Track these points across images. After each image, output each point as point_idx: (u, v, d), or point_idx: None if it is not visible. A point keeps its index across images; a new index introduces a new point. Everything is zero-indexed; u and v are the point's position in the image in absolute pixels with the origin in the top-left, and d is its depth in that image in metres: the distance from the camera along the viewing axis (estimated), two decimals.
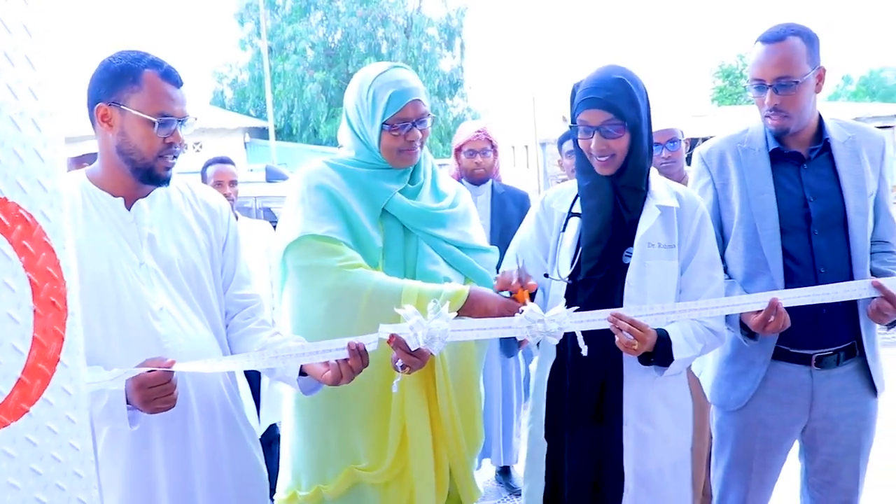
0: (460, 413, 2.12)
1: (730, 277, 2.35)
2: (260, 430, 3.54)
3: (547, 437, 2.19)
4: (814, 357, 2.28)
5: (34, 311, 1.23)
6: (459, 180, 3.75)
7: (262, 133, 24.99)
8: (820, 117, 2.32)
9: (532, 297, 1.99)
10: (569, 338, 1.96)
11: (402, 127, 2.09)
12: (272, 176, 7.29)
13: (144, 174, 1.85)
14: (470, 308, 2.01)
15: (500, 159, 3.99)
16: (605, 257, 2.10)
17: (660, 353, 1.98)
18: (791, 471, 2.49)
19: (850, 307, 2.24)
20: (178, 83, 1.84)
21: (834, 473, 2.37)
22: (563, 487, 2.17)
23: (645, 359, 2.01)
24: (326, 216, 2.07)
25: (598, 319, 1.93)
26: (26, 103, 1.22)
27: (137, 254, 1.86)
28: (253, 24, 29.95)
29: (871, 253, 2.30)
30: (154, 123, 1.79)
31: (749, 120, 2.42)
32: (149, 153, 1.82)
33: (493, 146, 3.85)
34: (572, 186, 2.24)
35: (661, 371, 2.04)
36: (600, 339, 1.96)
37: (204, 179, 3.87)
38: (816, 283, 2.18)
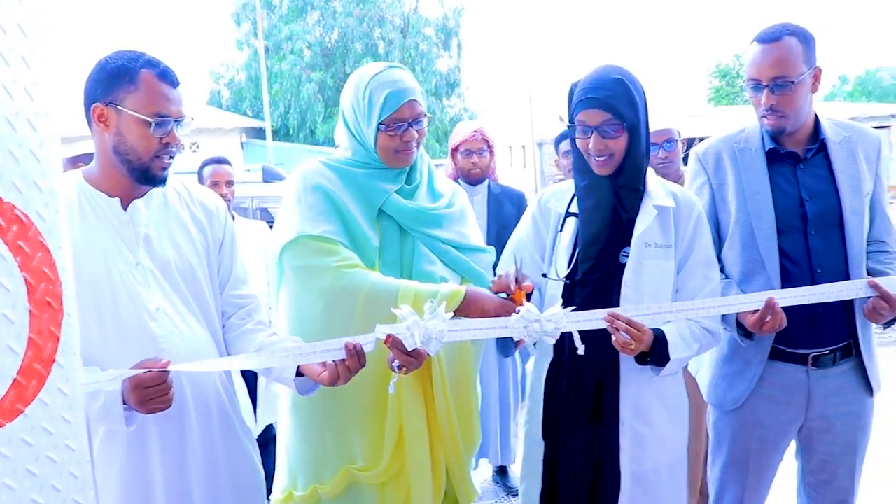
0: (457, 413, 2.12)
1: (726, 277, 2.35)
2: (257, 430, 3.53)
3: (544, 436, 2.19)
4: (810, 357, 2.28)
5: (30, 311, 1.22)
6: (456, 180, 3.75)
7: (258, 133, 24.97)
8: (816, 117, 2.33)
9: (528, 297, 1.99)
10: (566, 337, 1.96)
11: (398, 127, 2.09)
12: (269, 176, 7.28)
13: (141, 174, 1.84)
14: (466, 308, 2.01)
15: (497, 159, 3.99)
16: (603, 257, 2.10)
17: (656, 352, 1.99)
18: (787, 470, 2.49)
19: (847, 307, 2.24)
20: (174, 83, 1.84)
21: (830, 473, 2.38)
22: (560, 487, 2.17)
23: (641, 358, 2.01)
24: (323, 216, 2.07)
25: (594, 319, 1.93)
26: (22, 103, 1.22)
27: (134, 254, 1.86)
28: (250, 24, 29.95)
29: (868, 252, 2.30)
30: (150, 123, 1.78)
31: (746, 120, 2.42)
32: (145, 153, 1.81)
33: (489, 146, 3.85)
34: (569, 186, 2.24)
35: (658, 371, 2.04)
36: (597, 339, 1.96)
37: (200, 180, 3.86)
38: (813, 282, 2.19)
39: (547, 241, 2.22)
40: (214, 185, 3.80)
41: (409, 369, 1.90)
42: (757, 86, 2.23)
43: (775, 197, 2.28)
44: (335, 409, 2.09)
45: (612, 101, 2.02)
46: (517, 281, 1.98)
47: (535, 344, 2.16)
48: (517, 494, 2.36)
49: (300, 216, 2.07)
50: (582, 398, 2.12)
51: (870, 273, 2.24)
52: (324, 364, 1.83)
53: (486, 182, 3.88)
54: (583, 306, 1.97)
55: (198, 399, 1.90)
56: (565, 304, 1.93)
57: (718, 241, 2.37)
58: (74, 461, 1.31)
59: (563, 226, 2.19)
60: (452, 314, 1.87)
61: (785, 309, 2.07)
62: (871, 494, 2.77)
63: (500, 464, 4.13)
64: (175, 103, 1.83)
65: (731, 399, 2.38)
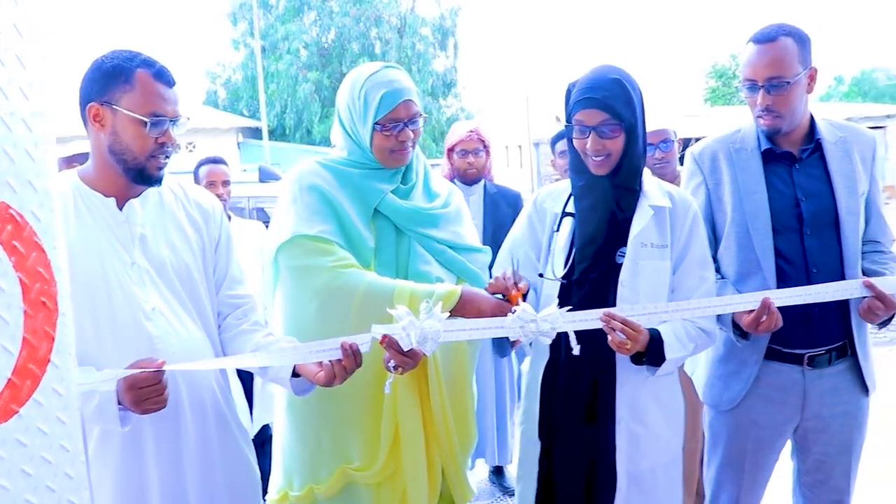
0: (453, 413, 2.12)
1: (722, 277, 2.35)
2: (253, 430, 3.53)
3: (540, 437, 2.19)
4: (806, 356, 2.28)
5: (24, 311, 1.22)
6: (452, 180, 3.75)
7: (255, 133, 24.97)
8: (812, 117, 2.33)
9: (524, 297, 1.99)
10: (562, 337, 1.96)
11: (393, 127, 2.09)
12: (265, 176, 7.27)
13: (136, 174, 1.84)
14: (462, 308, 2.01)
15: (493, 159, 3.99)
16: (599, 257, 2.10)
17: (652, 352, 1.99)
18: (783, 470, 2.50)
19: (842, 307, 2.25)
20: (170, 83, 1.84)
21: (826, 473, 2.38)
22: (556, 487, 2.17)
23: (637, 358, 2.02)
24: (318, 216, 2.07)
25: (590, 319, 1.93)
26: (17, 103, 1.22)
27: (129, 254, 1.85)
28: (246, 23, 29.95)
29: (863, 253, 2.31)
30: (146, 123, 1.78)
31: (742, 120, 2.42)
32: (140, 153, 1.81)
33: (485, 146, 3.84)
34: (565, 186, 2.24)
35: (653, 371, 2.04)
36: (593, 339, 1.96)
37: (196, 180, 3.86)
38: (808, 282, 2.19)
39: (543, 240, 2.22)
40: (210, 184, 3.80)
41: (405, 369, 1.90)
42: (753, 86, 2.24)
43: (771, 197, 2.28)
44: (331, 409, 2.09)
45: (609, 102, 2.02)
46: (514, 281, 1.98)
47: (530, 344, 2.16)
48: (513, 494, 2.36)
49: (296, 216, 2.07)
50: (578, 398, 2.12)
51: (865, 273, 2.25)
52: (320, 364, 1.83)
53: (482, 182, 3.88)
54: (579, 306, 1.97)
55: (193, 399, 1.90)
56: (561, 304, 1.94)
57: (714, 242, 2.37)
58: (69, 461, 1.31)
59: (559, 226, 2.19)
60: (448, 314, 1.87)
61: (780, 309, 2.07)
62: (867, 494, 2.78)
63: (496, 464, 4.13)
64: (171, 103, 1.82)
65: (727, 399, 2.38)
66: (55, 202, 1.31)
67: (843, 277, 2.22)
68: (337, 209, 2.09)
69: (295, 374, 1.93)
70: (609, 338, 1.93)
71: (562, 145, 3.87)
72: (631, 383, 2.09)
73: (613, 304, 2.04)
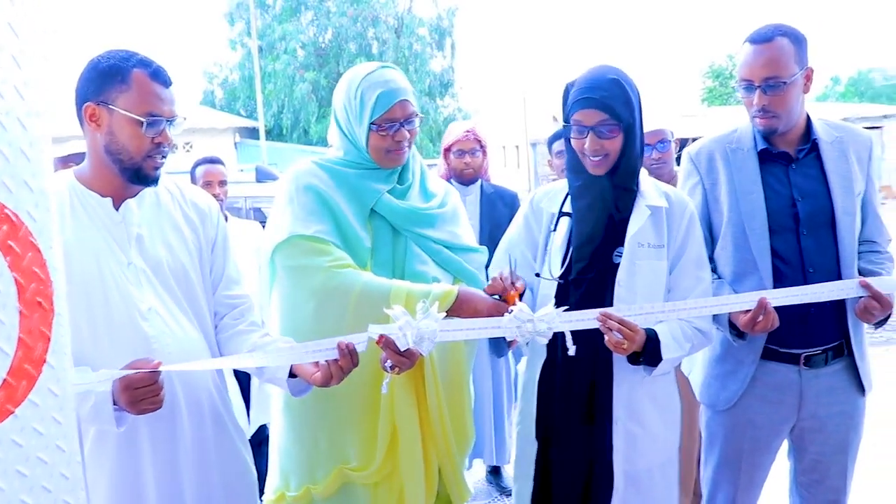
0: (450, 413, 2.12)
1: (719, 277, 2.36)
2: (250, 430, 3.53)
3: (537, 436, 2.19)
4: (802, 356, 2.29)
5: (20, 311, 1.22)
6: (449, 180, 3.75)
7: (252, 133, 24.96)
8: (808, 118, 2.33)
9: (520, 296, 1.99)
10: (559, 337, 1.97)
11: (389, 127, 2.08)
12: (262, 176, 7.26)
13: (133, 174, 1.84)
14: (459, 308, 2.01)
15: (490, 159, 3.99)
16: (596, 257, 2.10)
17: (648, 352, 1.99)
18: (780, 470, 2.50)
19: (839, 307, 2.25)
20: (166, 83, 1.83)
21: (822, 472, 2.38)
22: (553, 488, 2.17)
23: (634, 358, 2.02)
24: (315, 216, 2.07)
25: (587, 319, 1.93)
26: (13, 103, 1.22)
27: (126, 254, 1.85)
28: (243, 23, 29.92)
29: (859, 252, 2.31)
30: (142, 123, 1.78)
31: (738, 120, 2.42)
32: (137, 153, 1.81)
33: (481, 146, 3.84)
34: (562, 186, 2.24)
35: (650, 371, 2.05)
36: (590, 339, 1.96)
37: (193, 180, 3.85)
38: (805, 282, 2.19)
39: (539, 240, 2.22)
40: (207, 185, 3.79)
41: (402, 369, 1.89)
42: (749, 86, 2.24)
43: (767, 197, 2.28)
44: (328, 410, 2.09)
45: (608, 102, 2.02)
46: (512, 281, 1.98)
47: (527, 344, 2.16)
48: (510, 494, 2.36)
49: (292, 216, 2.07)
50: (575, 398, 2.13)
51: (861, 273, 2.25)
52: (316, 364, 1.83)
53: (478, 182, 3.88)
54: (576, 306, 1.97)
55: (190, 399, 1.90)
56: (558, 304, 1.94)
57: (711, 242, 2.38)
58: (65, 462, 1.31)
59: (556, 225, 2.19)
60: (445, 314, 1.87)
61: (777, 309, 2.07)
62: (863, 494, 2.78)
63: (495, 464, 4.13)
64: (167, 103, 1.82)
65: (724, 399, 2.39)
66: (51, 202, 1.31)
67: (839, 277, 2.22)
68: (333, 209, 2.09)
69: (292, 375, 1.92)
70: (606, 338, 1.93)
71: (559, 145, 3.88)
72: (628, 383, 2.09)
73: (610, 304, 2.04)
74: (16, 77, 1.22)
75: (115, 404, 1.69)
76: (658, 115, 3.41)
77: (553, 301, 1.97)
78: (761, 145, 2.32)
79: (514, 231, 2.29)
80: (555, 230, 2.19)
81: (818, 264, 2.24)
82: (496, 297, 2.03)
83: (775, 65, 2.18)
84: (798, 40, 2.22)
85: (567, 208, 2.19)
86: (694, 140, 2.52)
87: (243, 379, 3.44)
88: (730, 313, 2.18)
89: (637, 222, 2.10)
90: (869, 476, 2.88)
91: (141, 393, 1.66)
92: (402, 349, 1.81)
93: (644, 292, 2.07)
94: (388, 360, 1.87)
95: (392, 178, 2.18)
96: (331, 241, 2.05)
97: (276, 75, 29.22)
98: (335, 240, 2.06)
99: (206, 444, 1.93)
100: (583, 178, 2.13)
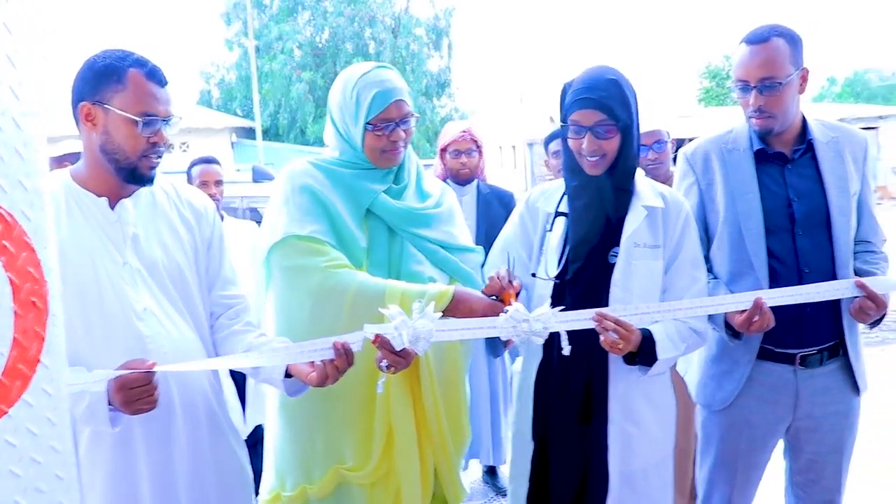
0: (446, 413, 2.12)
1: (715, 277, 2.36)
2: (246, 430, 3.52)
3: (533, 437, 2.19)
4: (798, 356, 2.29)
5: (14, 311, 1.21)
6: (445, 180, 3.75)
7: (249, 133, 24.97)
8: (804, 118, 2.34)
9: (517, 296, 1.99)
10: (555, 338, 1.97)
11: (385, 127, 2.08)
12: (259, 176, 7.27)
13: (128, 174, 1.83)
14: (455, 308, 2.01)
15: (486, 159, 3.99)
16: (592, 257, 2.10)
17: (644, 352, 1.99)
18: (775, 470, 2.50)
19: (834, 307, 2.25)
20: (162, 82, 1.83)
21: (818, 472, 2.39)
22: (549, 487, 2.17)
23: (629, 358, 2.02)
24: (310, 216, 2.07)
25: (582, 319, 1.93)
26: (7, 102, 1.21)
27: (121, 254, 1.85)
28: (240, 23, 29.91)
29: (855, 253, 2.31)
30: (138, 123, 1.78)
31: (734, 121, 2.43)
32: (132, 153, 1.81)
33: (478, 146, 3.84)
34: (558, 186, 2.24)
35: (645, 371, 2.05)
36: (586, 339, 1.96)
37: (189, 179, 3.85)
38: (800, 282, 2.20)
39: (534, 240, 2.22)
40: (203, 184, 3.78)
41: (398, 369, 1.89)
42: (745, 87, 2.24)
43: (763, 197, 2.28)
44: (324, 410, 2.08)
45: (607, 102, 2.02)
46: (509, 281, 1.98)
47: (521, 343, 2.16)
48: (507, 495, 2.36)
49: (288, 216, 2.07)
50: (570, 398, 2.13)
51: (857, 273, 2.25)
52: (312, 364, 1.83)
53: (474, 182, 3.88)
54: (573, 306, 1.97)
55: (185, 400, 1.89)
56: (554, 304, 1.94)
57: (707, 242, 2.38)
58: (59, 462, 1.30)
59: (552, 225, 2.19)
60: (441, 314, 1.87)
61: (773, 309, 2.08)
62: (858, 494, 2.79)
63: (492, 464, 4.13)
64: (163, 102, 1.82)
65: (720, 399, 2.39)
66: (46, 202, 1.30)
67: (834, 277, 2.22)
68: (329, 209, 2.09)
69: (287, 375, 1.92)
70: (601, 338, 1.93)
71: (555, 145, 3.87)
72: (623, 383, 2.09)
73: (606, 304, 2.04)
74: (11, 76, 1.21)
75: (109, 405, 1.69)
76: (654, 115, 3.41)
77: (549, 301, 1.97)
78: (757, 145, 2.32)
79: (509, 231, 2.29)
80: (550, 230, 2.19)
81: (814, 264, 2.25)
82: (493, 297, 2.03)
83: (771, 65, 2.18)
84: (794, 41, 2.22)
85: (563, 208, 2.19)
86: (690, 140, 2.52)
87: (239, 379, 3.42)
88: (725, 313, 2.19)
89: (633, 223, 2.10)
90: (864, 476, 2.89)
91: (136, 393, 1.66)
92: (397, 349, 1.81)
93: (640, 292, 2.07)
94: (384, 360, 1.86)
95: (388, 178, 2.17)
96: (326, 241, 2.04)
97: (273, 75, 29.21)
98: (331, 240, 2.05)
99: (201, 445, 1.93)
100: (580, 178, 2.13)
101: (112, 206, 1.86)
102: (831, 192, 2.27)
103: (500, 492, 4.09)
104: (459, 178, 3.83)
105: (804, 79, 2.27)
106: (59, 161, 3.72)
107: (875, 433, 3.37)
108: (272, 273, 2.11)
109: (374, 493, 2.10)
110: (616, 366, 2.08)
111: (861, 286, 2.12)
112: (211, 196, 3.63)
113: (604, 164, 2.08)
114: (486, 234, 3.58)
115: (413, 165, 2.27)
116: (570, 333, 1.92)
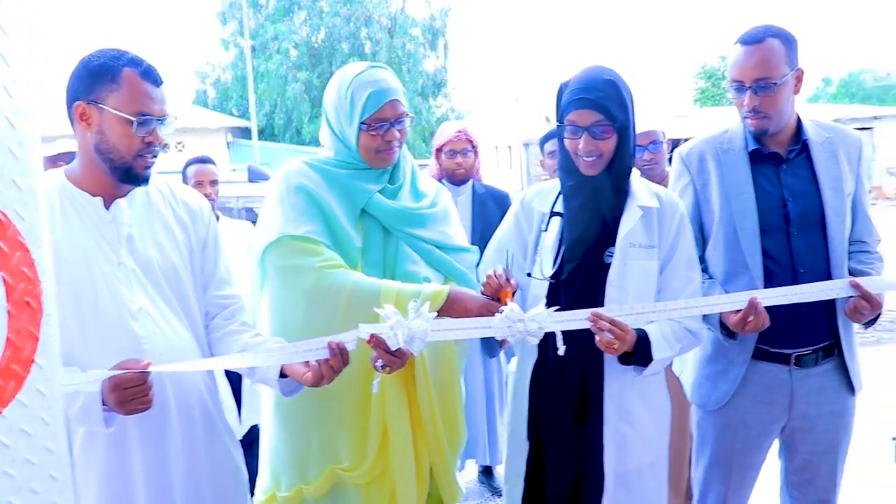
0: (441, 413, 2.12)
1: (710, 277, 2.36)
2: (241, 431, 3.52)
3: (529, 437, 2.19)
4: (793, 356, 2.29)
5: (8, 311, 1.21)
6: (440, 180, 3.75)
7: (244, 133, 24.93)
8: (798, 118, 2.34)
9: (512, 295, 1.99)
10: (550, 338, 1.97)
11: (380, 127, 2.08)
12: (255, 176, 7.24)
13: (123, 173, 1.83)
14: (450, 308, 2.00)
15: (481, 159, 3.99)
16: (587, 257, 2.11)
17: (639, 352, 1.99)
18: (771, 470, 2.51)
19: (829, 307, 2.26)
20: (157, 82, 1.82)
21: (813, 472, 2.39)
22: (544, 488, 2.17)
23: (625, 358, 2.02)
24: (305, 217, 2.06)
25: (578, 319, 1.94)
26: (1, 101, 1.21)
27: (116, 253, 1.84)
28: (236, 23, 29.89)
29: (849, 253, 2.32)
30: (132, 122, 1.77)
31: (730, 121, 2.43)
32: (127, 152, 1.80)
33: (473, 146, 3.84)
34: (553, 186, 2.24)
35: (640, 371, 2.05)
36: (581, 339, 1.96)
37: (185, 179, 3.84)
38: (795, 282, 2.20)
39: (529, 240, 2.22)
40: (198, 184, 3.78)
41: (393, 369, 1.89)
42: (740, 87, 2.24)
43: (758, 197, 2.29)
44: (319, 410, 2.08)
45: (604, 102, 2.02)
46: (507, 280, 1.98)
47: (516, 343, 2.16)
48: (502, 495, 2.36)
49: (283, 216, 2.06)
50: (566, 398, 2.13)
51: (851, 273, 2.26)
52: (307, 364, 1.82)
53: (470, 182, 3.88)
54: (568, 306, 1.97)
55: (180, 400, 1.89)
56: (550, 304, 1.94)
57: (702, 242, 2.38)
58: (53, 463, 1.30)
59: (547, 225, 2.19)
60: (436, 314, 1.87)
61: (768, 309, 2.08)
62: (853, 494, 2.79)
63: (488, 464, 4.13)
64: (158, 102, 1.81)
65: (715, 399, 2.39)
66: (40, 201, 1.30)
67: (829, 277, 2.23)
68: (324, 209, 2.09)
69: (282, 375, 1.92)
70: (597, 338, 1.93)
71: (551, 145, 3.87)
72: (618, 383, 2.09)
73: (601, 304, 2.04)
74: (5, 76, 1.21)
75: (104, 405, 1.69)
76: (650, 115, 3.41)
77: (544, 301, 1.97)
78: (752, 146, 2.32)
79: (503, 230, 2.29)
80: (546, 230, 2.19)
81: (808, 264, 2.25)
82: (491, 296, 2.03)
83: (766, 66, 2.19)
84: (788, 41, 2.22)
85: (558, 208, 2.19)
86: (686, 141, 2.52)
87: (234, 379, 3.43)
88: (721, 313, 2.19)
89: (628, 223, 2.11)
90: (859, 476, 2.89)
91: (130, 393, 1.66)
92: (392, 348, 1.81)
93: (635, 292, 2.07)
94: (379, 360, 1.86)
95: (383, 178, 2.17)
96: (321, 241, 2.04)
97: (269, 75, 29.19)
98: (326, 240, 2.05)
99: (196, 445, 1.92)
100: (575, 178, 2.13)
101: (107, 206, 1.86)
102: (826, 193, 2.27)
103: (496, 492, 4.09)
104: (455, 178, 3.83)
105: (799, 79, 2.27)
106: (54, 160, 3.72)
107: (870, 433, 3.38)
108: (267, 273, 2.10)
109: (369, 493, 2.10)
110: (611, 366, 2.08)
111: (856, 286, 2.13)
112: (206, 196, 3.62)
113: (600, 165, 2.08)
114: (482, 234, 3.57)
115: (408, 165, 2.26)
116: (566, 333, 1.92)
